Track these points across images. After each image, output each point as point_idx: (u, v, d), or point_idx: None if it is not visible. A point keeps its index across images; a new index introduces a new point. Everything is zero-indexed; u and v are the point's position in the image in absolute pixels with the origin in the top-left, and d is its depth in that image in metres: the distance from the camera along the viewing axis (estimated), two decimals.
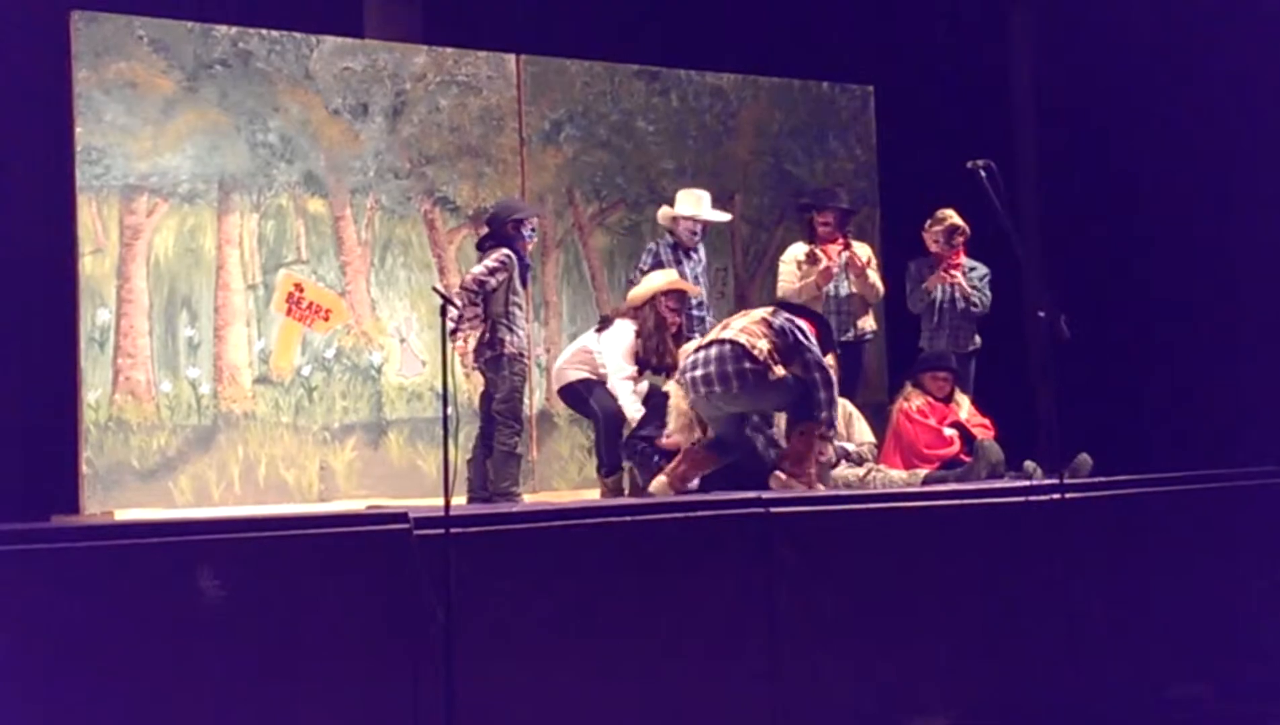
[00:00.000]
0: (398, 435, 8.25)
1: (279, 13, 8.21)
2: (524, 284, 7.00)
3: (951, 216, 8.02)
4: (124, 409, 7.65)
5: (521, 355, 6.87)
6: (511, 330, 6.83)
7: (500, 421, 6.83)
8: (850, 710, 5.82)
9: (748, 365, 6.60)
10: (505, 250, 6.93)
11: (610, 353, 7.30)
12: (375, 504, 7.52)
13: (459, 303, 6.66)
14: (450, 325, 6.64)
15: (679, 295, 7.33)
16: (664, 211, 7.97)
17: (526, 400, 8.44)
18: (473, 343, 6.87)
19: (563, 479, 8.14)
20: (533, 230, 7.13)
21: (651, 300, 7.27)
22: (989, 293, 8.13)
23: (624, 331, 7.32)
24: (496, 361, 6.85)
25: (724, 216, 8.17)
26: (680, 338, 7.30)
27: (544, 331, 8.60)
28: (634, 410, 7.21)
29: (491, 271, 6.84)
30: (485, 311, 6.85)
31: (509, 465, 6.83)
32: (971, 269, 8.13)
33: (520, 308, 6.91)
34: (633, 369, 7.26)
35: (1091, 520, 6.33)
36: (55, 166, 7.65)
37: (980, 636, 6.12)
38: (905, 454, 7.61)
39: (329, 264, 8.19)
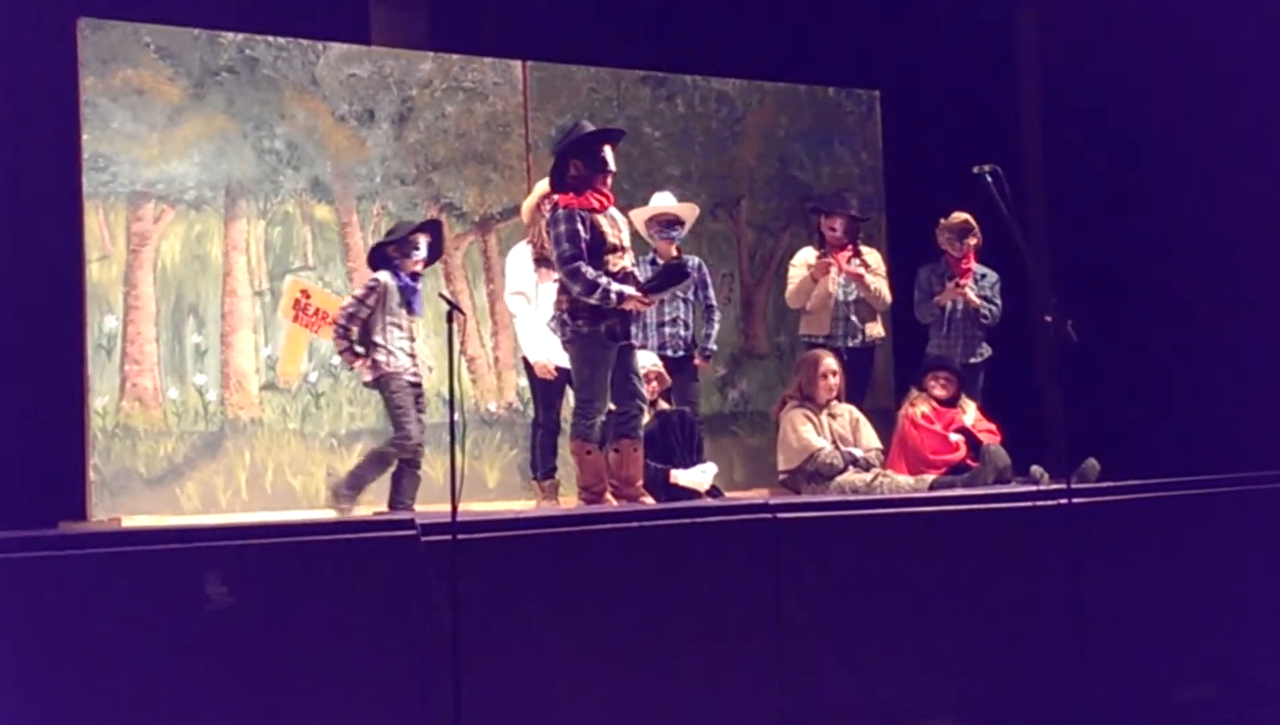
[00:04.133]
0: None
1: (285, 19, 8.22)
2: (409, 305, 7.01)
3: (962, 216, 8.01)
4: (131, 416, 7.66)
5: (399, 374, 6.91)
6: (389, 352, 6.90)
7: (396, 429, 6.95)
8: (857, 715, 5.81)
9: None
10: (375, 276, 7.00)
11: (510, 270, 7.43)
12: (382, 510, 7.51)
13: (465, 310, 6.69)
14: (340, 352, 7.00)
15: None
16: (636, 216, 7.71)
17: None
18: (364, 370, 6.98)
19: (569, 487, 8.10)
20: (416, 247, 7.06)
21: (536, 208, 7.25)
22: (1000, 301, 8.13)
23: (520, 250, 7.40)
24: (376, 383, 6.94)
25: (690, 208, 7.95)
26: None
27: None
28: (525, 336, 7.32)
29: (359, 301, 6.95)
30: (364, 336, 6.94)
31: (375, 468, 6.96)
32: (982, 276, 8.13)
33: (400, 328, 6.95)
34: (529, 280, 7.29)
35: (1099, 525, 6.31)
36: (62, 173, 7.67)
37: (987, 641, 6.11)
38: (911, 460, 7.60)
39: (336, 270, 8.20)
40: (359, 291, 7.04)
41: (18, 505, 7.03)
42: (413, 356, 7.02)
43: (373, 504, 7.92)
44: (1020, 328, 8.85)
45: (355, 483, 6.96)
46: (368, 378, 6.98)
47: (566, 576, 5.41)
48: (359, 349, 6.97)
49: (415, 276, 7.09)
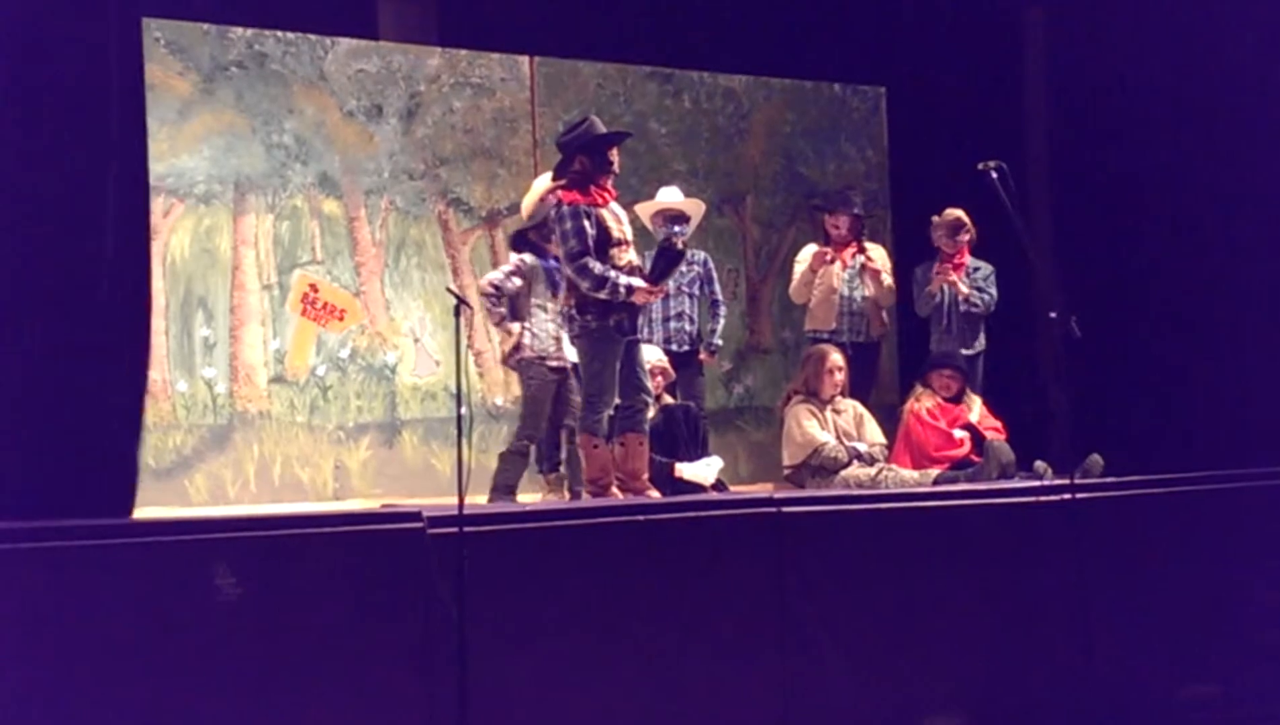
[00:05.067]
0: (412, 435, 8.29)
1: (294, 15, 8.24)
2: (551, 287, 7.00)
3: (956, 213, 8.04)
4: None
5: (543, 359, 6.89)
6: (533, 333, 6.88)
7: (520, 422, 6.90)
8: (861, 710, 5.84)
9: None
10: (522, 255, 6.98)
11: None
12: (389, 503, 7.55)
13: (472, 304, 6.73)
14: (496, 322, 6.99)
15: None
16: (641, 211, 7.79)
17: None
18: (509, 345, 6.97)
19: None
20: None
21: (541, 201, 7.13)
22: (995, 291, 8.13)
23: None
24: (518, 364, 6.94)
25: (696, 204, 7.98)
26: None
27: None
28: None
29: (507, 276, 6.96)
30: (511, 317, 6.92)
31: (514, 464, 6.87)
32: (976, 269, 8.15)
33: (545, 310, 6.93)
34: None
35: (1102, 521, 6.33)
36: (91, 170, 7.65)
37: (991, 636, 6.13)
38: (915, 456, 7.61)
39: (344, 264, 8.23)
40: (507, 267, 7.04)
41: (24, 497, 7.03)
42: (557, 339, 6.96)
43: (380, 497, 7.98)
44: (1024, 323, 8.86)
45: (505, 491, 6.85)
46: (511, 359, 6.94)
47: (572, 569, 5.43)
48: (512, 326, 6.92)
49: (559, 258, 7.08)
